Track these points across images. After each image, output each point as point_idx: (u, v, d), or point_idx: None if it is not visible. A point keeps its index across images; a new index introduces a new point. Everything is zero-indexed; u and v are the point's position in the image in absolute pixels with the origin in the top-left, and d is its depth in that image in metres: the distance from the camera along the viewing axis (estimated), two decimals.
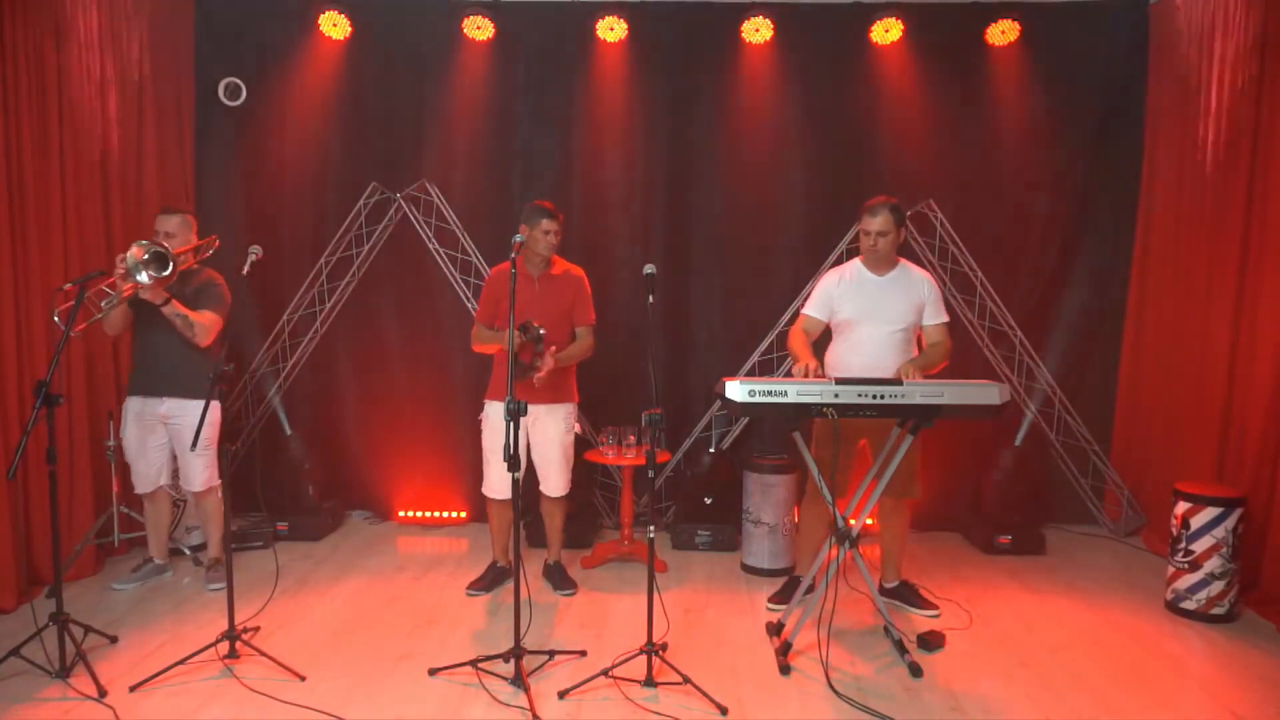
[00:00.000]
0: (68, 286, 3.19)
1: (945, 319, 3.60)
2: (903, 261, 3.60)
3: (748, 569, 4.25)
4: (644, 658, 2.97)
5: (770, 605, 3.77)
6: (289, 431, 4.87)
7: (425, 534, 4.87)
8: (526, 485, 3.81)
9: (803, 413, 2.99)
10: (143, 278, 3.38)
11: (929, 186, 4.81)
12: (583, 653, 3.24)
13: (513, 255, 3.18)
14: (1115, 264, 4.87)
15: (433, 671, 3.06)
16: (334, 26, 4.72)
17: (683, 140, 4.86)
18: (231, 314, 3.81)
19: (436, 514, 5.02)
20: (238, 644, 3.10)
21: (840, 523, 3.19)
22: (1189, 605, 3.61)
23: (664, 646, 3.07)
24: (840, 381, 2.99)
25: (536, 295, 3.71)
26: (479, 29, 4.72)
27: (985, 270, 4.83)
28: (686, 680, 2.91)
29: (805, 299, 3.73)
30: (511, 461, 2.78)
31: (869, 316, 3.51)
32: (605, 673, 2.99)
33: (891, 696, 2.93)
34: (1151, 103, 4.71)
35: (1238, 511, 3.53)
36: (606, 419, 4.74)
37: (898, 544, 3.74)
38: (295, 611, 3.65)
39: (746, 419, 4.79)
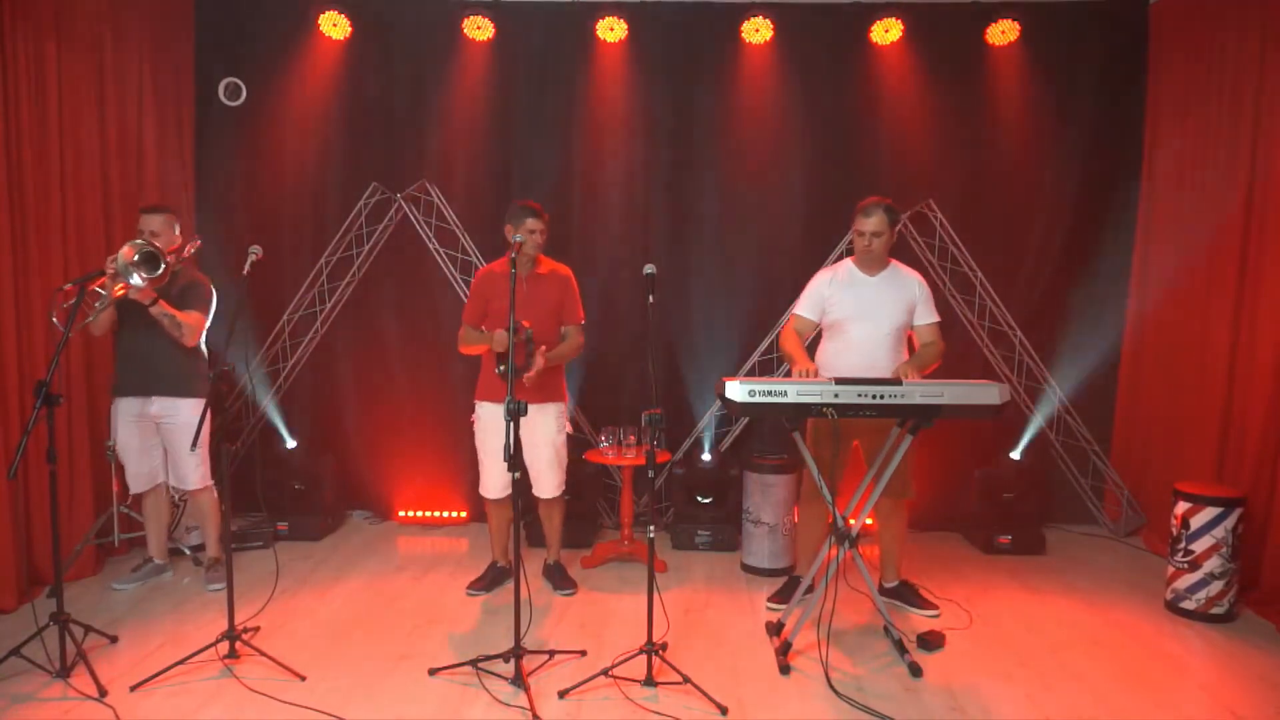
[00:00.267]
0: (68, 286, 3.20)
1: (937, 319, 3.62)
2: (893, 262, 3.62)
3: (748, 569, 4.25)
4: (644, 657, 2.97)
5: (770, 605, 3.77)
6: (291, 444, 4.88)
7: (425, 534, 4.87)
8: (524, 485, 3.81)
9: (803, 413, 2.99)
10: (136, 280, 3.37)
11: (929, 186, 4.81)
12: (583, 652, 3.24)
13: (512, 255, 3.18)
14: (1115, 264, 4.87)
15: (433, 671, 3.07)
16: (334, 26, 4.72)
17: (683, 140, 4.86)
18: (231, 314, 3.81)
19: (436, 514, 5.02)
20: (238, 644, 3.10)
21: (840, 522, 3.19)
22: (1189, 605, 3.62)
23: (664, 646, 3.08)
24: (840, 381, 2.99)
25: (524, 295, 3.69)
26: (479, 29, 4.72)
27: (985, 270, 4.83)
28: (686, 680, 2.91)
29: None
30: (512, 461, 2.78)
31: (861, 317, 3.51)
32: (605, 672, 2.99)
33: (891, 696, 2.93)
34: (1151, 103, 4.71)
35: (1237, 511, 3.53)
36: (606, 419, 4.74)
37: (897, 544, 3.74)
38: (295, 611, 3.65)
39: (746, 419, 4.79)
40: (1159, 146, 4.66)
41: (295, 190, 4.95)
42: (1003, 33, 4.63)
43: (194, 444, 3.26)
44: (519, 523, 3.00)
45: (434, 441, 4.95)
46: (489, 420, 3.77)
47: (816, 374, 3.29)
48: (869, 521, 4.06)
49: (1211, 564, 3.54)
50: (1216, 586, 3.54)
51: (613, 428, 4.40)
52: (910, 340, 3.64)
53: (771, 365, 4.88)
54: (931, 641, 3.31)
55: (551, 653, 3.20)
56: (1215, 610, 3.56)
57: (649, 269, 3.09)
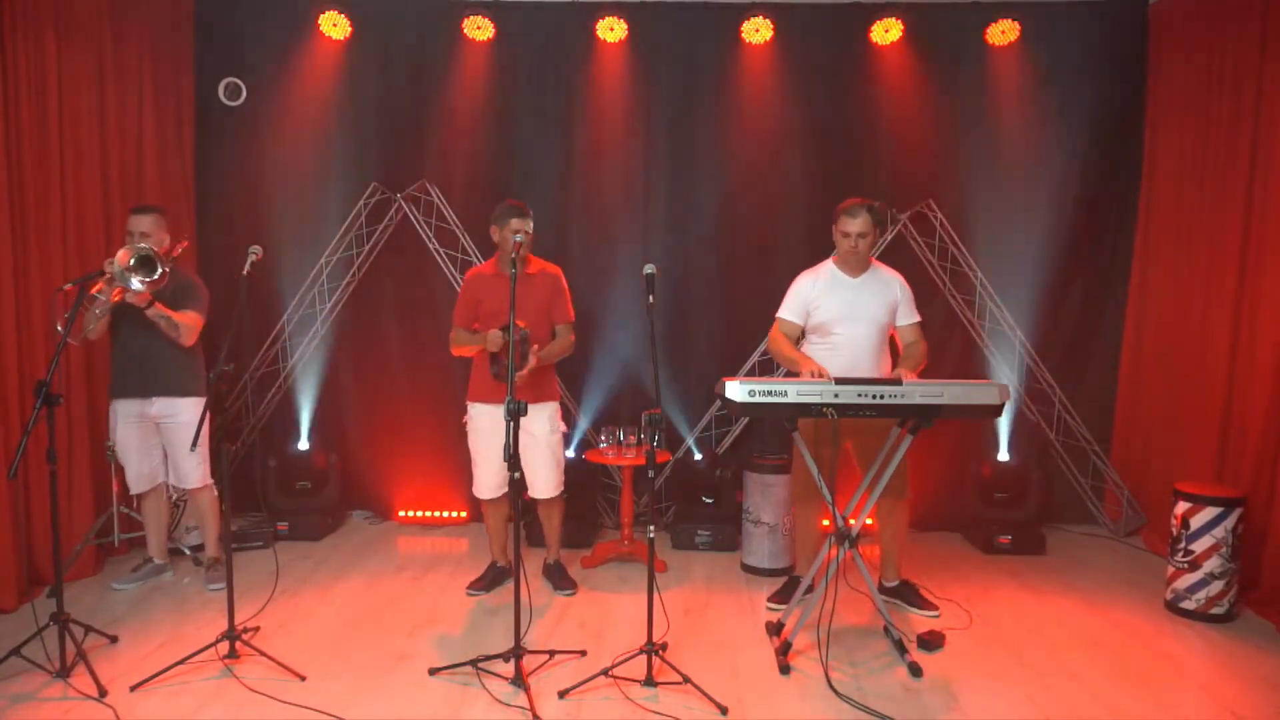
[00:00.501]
0: (68, 287, 3.19)
1: (918, 318, 3.64)
2: (874, 262, 3.63)
3: (748, 569, 4.25)
4: (644, 657, 2.97)
5: (770, 605, 3.77)
6: (305, 445, 4.89)
7: (425, 534, 4.87)
8: (522, 486, 3.81)
9: (803, 413, 2.99)
10: (135, 284, 3.37)
11: (929, 186, 4.81)
12: (583, 652, 3.24)
13: (512, 255, 3.18)
14: (1115, 264, 4.87)
15: (433, 671, 3.07)
16: (334, 26, 4.72)
17: (683, 140, 4.86)
18: (231, 313, 3.81)
19: (436, 514, 5.02)
20: (238, 644, 3.10)
21: (840, 522, 3.19)
22: (1189, 605, 3.62)
23: (664, 646, 3.08)
24: (840, 381, 2.99)
25: (516, 295, 3.67)
26: (479, 29, 4.72)
27: (985, 270, 4.83)
28: (686, 680, 2.91)
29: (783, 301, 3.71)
30: (512, 461, 2.78)
31: (845, 318, 3.51)
32: (605, 672, 2.99)
33: (891, 696, 2.93)
34: (1151, 103, 4.72)
35: (1237, 511, 3.53)
36: (607, 419, 4.75)
37: (896, 544, 3.74)
38: (295, 611, 3.65)
39: (746, 419, 4.79)
40: (1159, 146, 4.66)
41: (295, 190, 4.94)
42: (1003, 33, 4.63)
43: (194, 444, 3.26)
44: (519, 522, 3.00)
45: (434, 441, 4.94)
46: (482, 421, 3.78)
47: (824, 374, 3.29)
48: (869, 521, 4.06)
49: (1211, 564, 3.54)
50: (1216, 586, 3.54)
51: (613, 428, 4.40)
52: (893, 340, 3.65)
53: (771, 365, 4.88)
54: (931, 641, 3.31)
55: (551, 653, 3.20)
56: (1215, 610, 3.56)
57: (649, 269, 3.09)
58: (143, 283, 3.38)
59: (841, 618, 3.53)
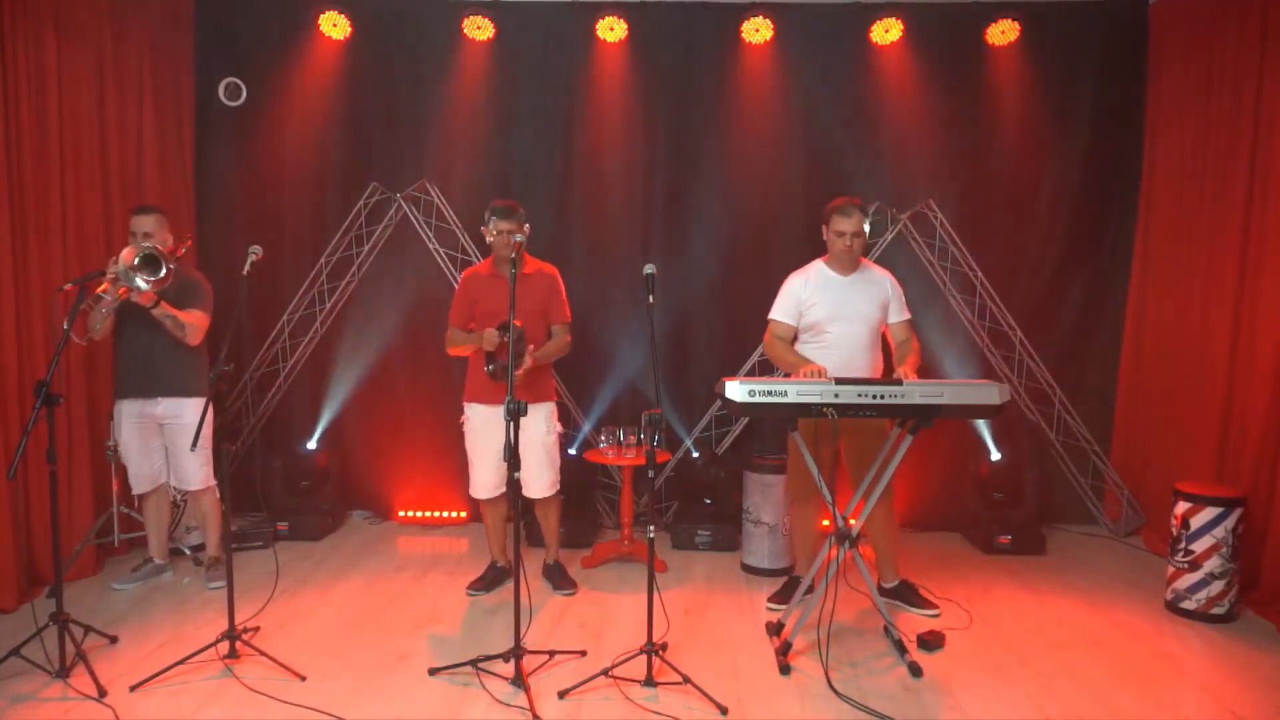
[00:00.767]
0: (68, 287, 3.19)
1: (908, 316, 3.65)
2: (863, 260, 3.64)
3: (748, 569, 4.25)
4: (644, 657, 2.97)
5: (770, 605, 3.76)
6: (312, 445, 4.90)
7: (425, 534, 4.87)
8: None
9: (802, 413, 2.99)
10: (140, 284, 3.37)
11: (929, 186, 4.81)
12: (583, 653, 3.24)
13: (512, 255, 3.18)
14: (1115, 264, 4.87)
15: (433, 671, 3.06)
16: (334, 26, 4.72)
17: (683, 140, 4.86)
18: (231, 313, 3.81)
19: (436, 514, 5.02)
20: (238, 644, 3.10)
21: (840, 522, 3.19)
22: (1189, 605, 3.61)
23: (664, 646, 3.08)
24: (840, 381, 2.99)
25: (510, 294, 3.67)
26: (479, 29, 4.72)
27: (985, 270, 4.83)
28: (686, 680, 2.91)
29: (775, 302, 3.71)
30: (512, 461, 2.78)
31: (838, 317, 3.52)
32: (605, 672, 2.99)
33: (891, 696, 2.93)
34: (1151, 103, 4.71)
35: (1237, 511, 3.53)
36: (607, 419, 4.75)
37: (889, 542, 3.73)
38: (295, 611, 3.65)
39: (746, 419, 4.79)
40: (1159, 146, 4.66)
41: (295, 190, 4.95)
42: (1003, 33, 4.63)
43: (194, 444, 3.26)
44: (519, 522, 3.00)
45: (434, 441, 4.94)
46: (478, 421, 3.78)
47: (823, 373, 3.29)
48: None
49: (1212, 564, 3.54)
50: (1217, 586, 3.54)
51: (613, 428, 4.40)
52: (884, 338, 3.65)
53: (771, 365, 4.87)
54: (931, 641, 3.31)
55: (551, 653, 3.20)
56: (1215, 610, 3.56)
57: (649, 269, 3.09)
58: (147, 282, 3.39)
59: (841, 618, 3.53)
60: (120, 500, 4.13)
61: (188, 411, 3.71)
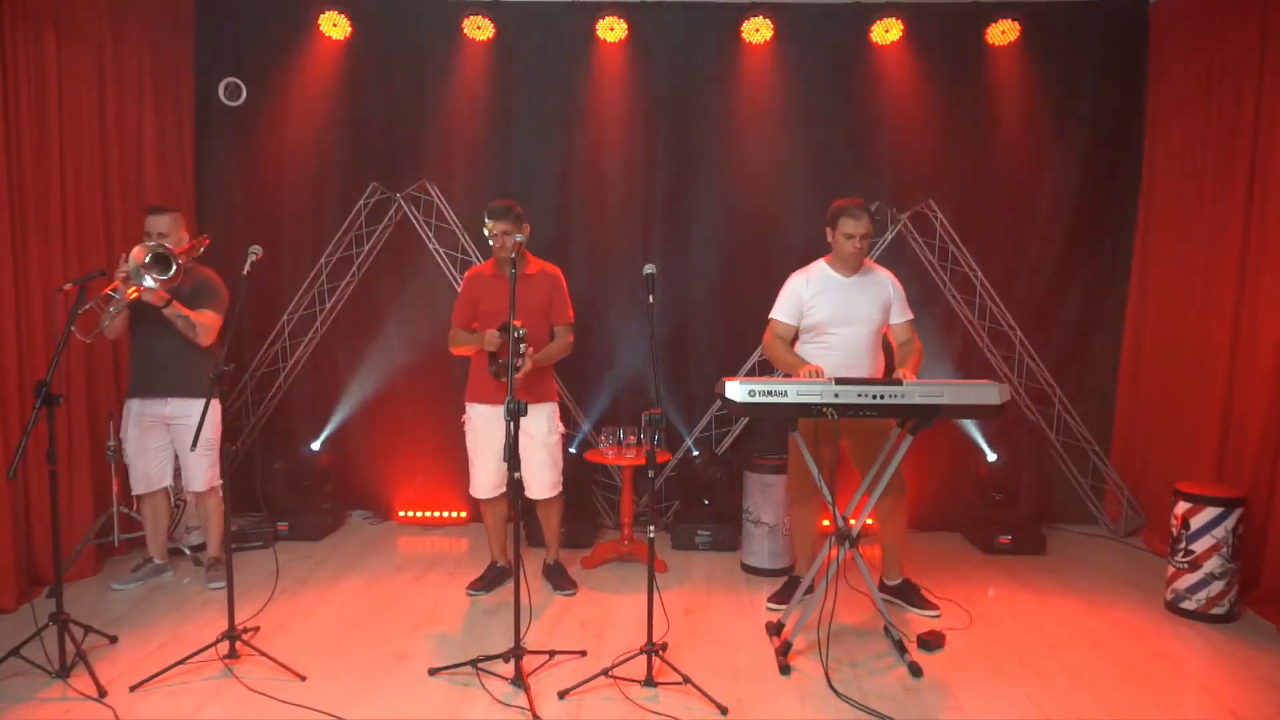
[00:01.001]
0: (68, 287, 3.19)
1: (910, 316, 3.64)
2: (866, 261, 3.64)
3: (748, 569, 4.25)
4: (644, 658, 2.97)
5: (770, 605, 3.76)
6: (315, 447, 4.90)
7: (425, 534, 4.87)
8: (523, 486, 3.80)
9: (802, 413, 2.99)
10: (148, 282, 3.38)
11: (929, 186, 4.81)
12: (583, 653, 3.24)
13: (512, 255, 3.18)
14: (1115, 264, 4.87)
15: (433, 671, 3.06)
16: (334, 26, 4.72)
17: (683, 140, 4.86)
18: (231, 313, 3.81)
19: (436, 514, 5.02)
20: (238, 644, 3.10)
21: (840, 522, 3.19)
22: (1189, 605, 3.61)
23: (664, 646, 3.07)
24: (840, 381, 2.99)
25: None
26: (479, 29, 4.72)
27: (985, 270, 4.83)
28: (686, 680, 2.91)
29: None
30: (512, 461, 2.78)
31: (840, 318, 3.52)
32: (605, 673, 2.99)
33: (891, 696, 2.93)
34: (1151, 103, 4.71)
35: (1238, 511, 3.53)
36: (607, 419, 4.74)
37: (898, 541, 3.73)
38: (295, 611, 3.65)
39: (746, 419, 4.79)
40: (1159, 146, 4.66)
41: (295, 190, 4.95)
42: (1003, 33, 4.63)
43: (194, 444, 3.26)
44: (519, 522, 3.00)
45: (434, 441, 4.94)
46: (480, 421, 3.78)
47: (820, 373, 3.29)
48: (869, 521, 4.06)
49: (1212, 564, 3.54)
50: (1217, 587, 3.54)
51: (613, 428, 4.40)
52: (886, 338, 3.65)
53: (771, 365, 4.87)
54: (931, 641, 3.31)
55: (551, 653, 3.20)
56: (1215, 610, 3.56)
57: (649, 269, 3.08)
58: (156, 280, 3.39)
59: (841, 618, 3.53)
60: (120, 500, 4.13)
61: (196, 412, 3.70)
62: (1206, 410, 4.14)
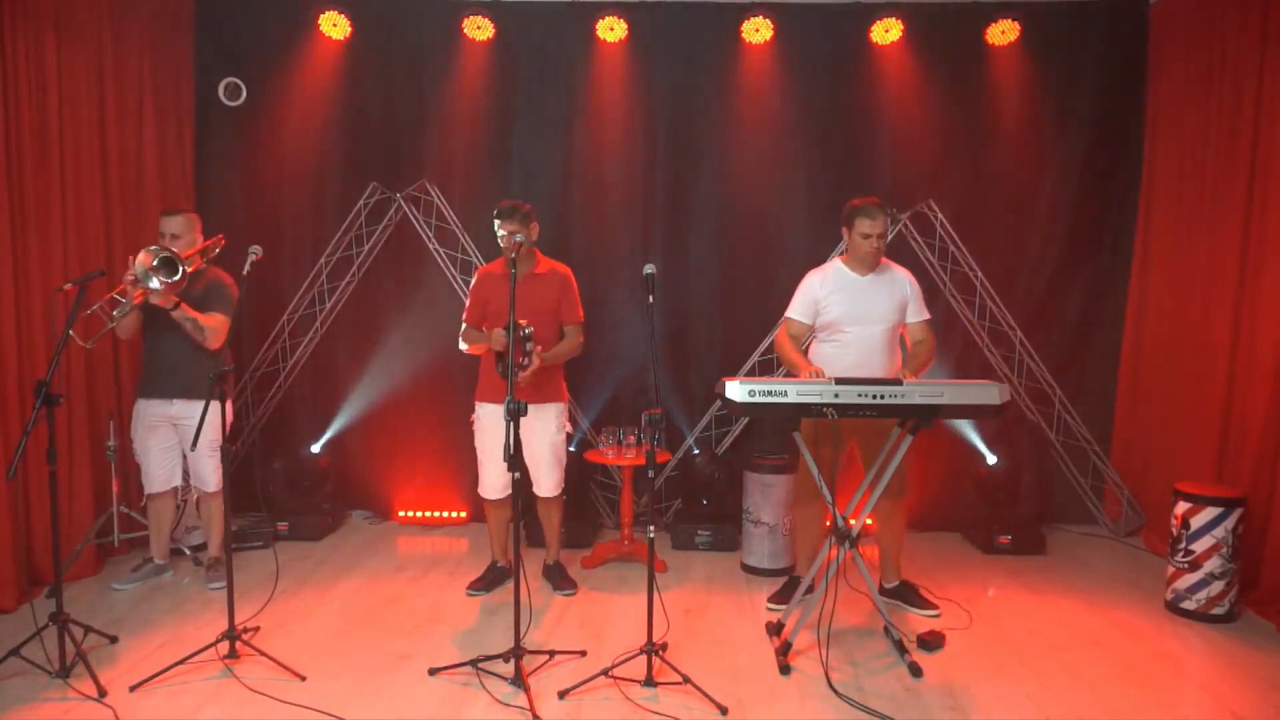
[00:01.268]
0: (68, 287, 3.20)
1: (927, 316, 3.63)
2: (884, 260, 3.62)
3: (748, 569, 4.25)
4: (644, 658, 2.97)
5: (770, 605, 3.76)
6: (315, 449, 4.90)
7: (425, 534, 4.87)
8: (524, 485, 3.81)
9: (803, 413, 2.99)
10: (154, 284, 3.39)
11: (929, 186, 4.81)
12: (583, 653, 3.24)
13: (512, 255, 3.18)
14: (1115, 264, 4.87)
15: (433, 671, 3.07)
16: (334, 26, 4.72)
17: (683, 140, 4.86)
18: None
19: (436, 514, 5.02)
20: (238, 644, 3.10)
21: (840, 522, 3.19)
22: (1189, 605, 3.61)
23: (664, 646, 3.07)
24: (840, 381, 2.99)
25: (521, 294, 3.67)
26: (479, 29, 4.72)
27: (985, 270, 4.83)
28: (686, 680, 2.91)
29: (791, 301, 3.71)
30: (511, 461, 2.78)
31: (856, 317, 3.51)
32: (605, 673, 2.99)
33: (891, 696, 2.93)
34: (1151, 103, 4.71)
35: (1238, 511, 3.53)
36: (607, 419, 4.74)
37: (896, 544, 3.74)
38: (295, 611, 3.65)
39: (746, 419, 4.79)
40: (1159, 146, 4.66)
41: (295, 190, 4.95)
42: (1003, 33, 4.63)
43: (194, 444, 3.26)
44: (519, 523, 3.00)
45: (434, 441, 4.95)
46: (488, 421, 3.77)
47: (820, 373, 3.29)
48: (869, 522, 4.06)
49: (1212, 564, 3.54)
50: (1217, 587, 3.54)
51: (613, 428, 4.40)
52: (904, 337, 3.65)
53: (772, 365, 4.88)
54: (931, 641, 3.31)
55: (551, 653, 3.20)
56: (1216, 610, 3.56)
57: (649, 269, 3.09)
58: (162, 283, 3.40)
59: (841, 618, 3.53)
60: (120, 500, 4.13)
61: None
62: (1206, 410, 4.14)
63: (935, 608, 3.68)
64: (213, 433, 3.60)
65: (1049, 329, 4.88)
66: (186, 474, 3.99)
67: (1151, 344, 4.67)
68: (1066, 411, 4.89)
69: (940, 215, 4.82)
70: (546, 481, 3.84)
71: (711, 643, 3.37)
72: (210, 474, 3.80)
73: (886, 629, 3.31)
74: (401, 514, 5.04)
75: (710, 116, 4.85)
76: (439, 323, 4.92)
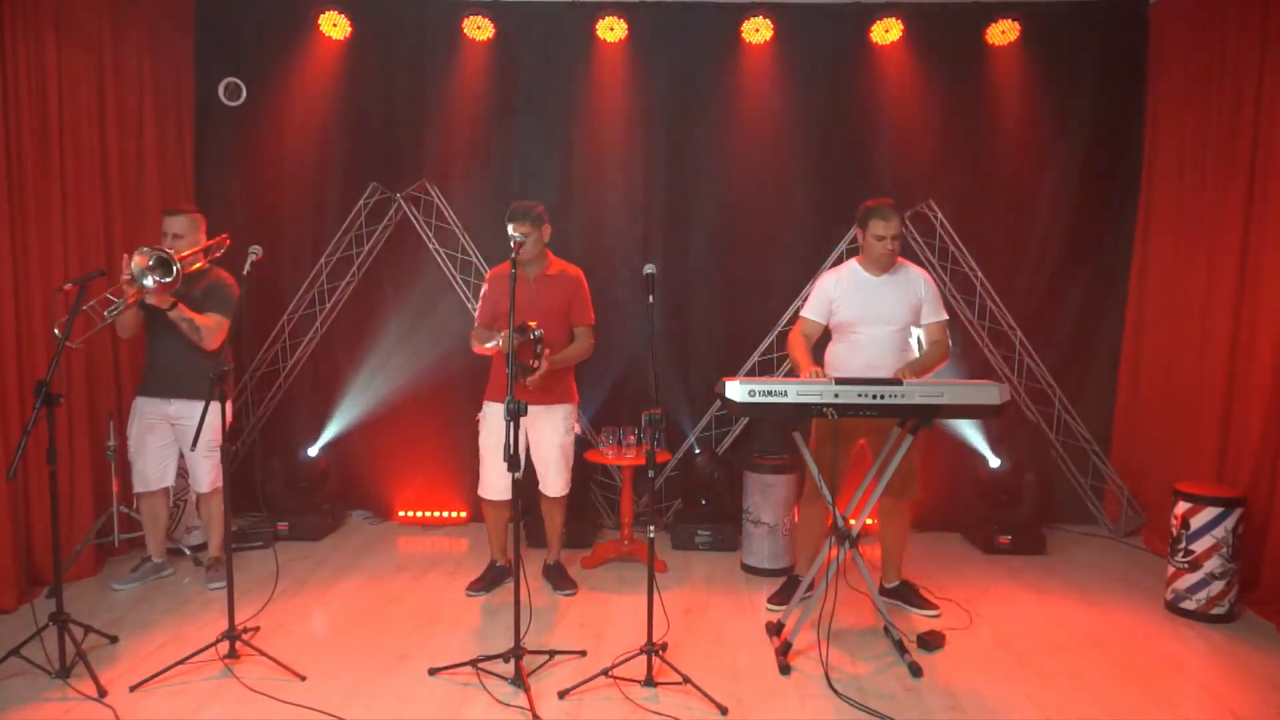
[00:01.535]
0: (68, 287, 3.19)
1: (944, 317, 3.61)
2: (900, 260, 3.61)
3: (748, 569, 4.25)
4: (644, 658, 2.97)
5: (770, 605, 3.76)
6: (313, 451, 4.90)
7: (425, 534, 4.87)
8: (525, 485, 3.81)
9: (803, 413, 2.99)
10: (148, 283, 3.39)
11: (929, 186, 4.81)
12: (583, 653, 3.24)
13: (512, 255, 3.18)
14: (1115, 264, 4.87)
15: (433, 671, 3.07)
16: (334, 26, 4.72)
17: (683, 140, 4.86)
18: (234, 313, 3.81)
19: (436, 514, 5.02)
20: (238, 644, 3.10)
21: (840, 522, 3.19)
22: (1189, 605, 3.61)
23: (664, 646, 3.07)
24: (840, 381, 2.99)
25: (532, 296, 3.69)
26: (479, 29, 4.72)
27: (985, 270, 4.83)
28: (686, 680, 2.91)
29: (805, 300, 3.73)
30: (511, 461, 2.78)
31: (869, 317, 3.51)
32: (605, 673, 2.99)
33: (891, 696, 2.93)
34: (1151, 103, 4.72)
35: (1238, 511, 3.53)
36: (607, 419, 4.74)
37: (898, 544, 3.74)
38: (295, 611, 3.65)
39: (746, 419, 4.79)
40: (1159, 146, 4.66)
41: (295, 190, 4.95)
42: (1003, 33, 4.63)
43: (194, 443, 3.26)
44: (519, 522, 3.00)
45: (434, 441, 4.95)
46: (494, 420, 3.77)
47: (820, 373, 3.29)
48: (870, 521, 4.06)
49: (1212, 564, 3.54)
50: (1217, 587, 3.54)
51: (613, 428, 4.40)
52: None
53: (772, 365, 4.88)
54: (931, 641, 3.31)
55: (551, 653, 3.20)
56: (1216, 610, 3.56)
57: (649, 269, 3.09)
58: (156, 283, 3.40)
59: (841, 618, 3.53)
60: (120, 500, 4.13)
61: (199, 413, 3.71)
62: (1206, 410, 4.14)
63: (935, 608, 3.68)
64: (211, 433, 3.60)
65: (1049, 329, 4.88)
66: (181, 473, 3.98)
67: (1151, 344, 4.67)
68: (1066, 411, 4.89)
69: (940, 215, 4.82)
70: (554, 482, 3.84)
71: (711, 643, 3.37)
72: (205, 474, 3.80)
73: (886, 629, 3.31)
74: (401, 514, 5.04)
75: (710, 116, 4.85)
76: (439, 322, 4.93)
